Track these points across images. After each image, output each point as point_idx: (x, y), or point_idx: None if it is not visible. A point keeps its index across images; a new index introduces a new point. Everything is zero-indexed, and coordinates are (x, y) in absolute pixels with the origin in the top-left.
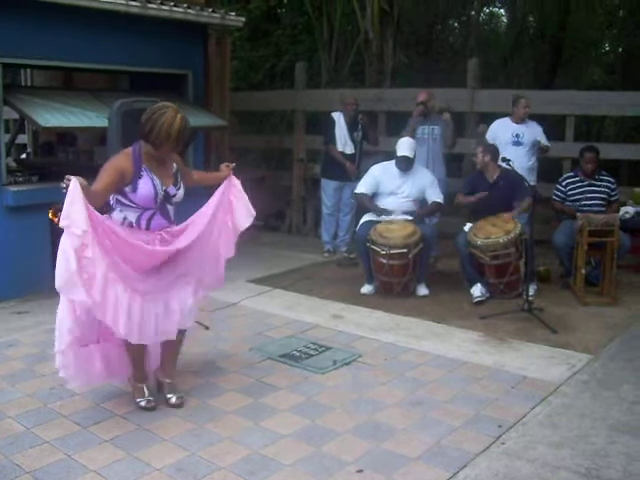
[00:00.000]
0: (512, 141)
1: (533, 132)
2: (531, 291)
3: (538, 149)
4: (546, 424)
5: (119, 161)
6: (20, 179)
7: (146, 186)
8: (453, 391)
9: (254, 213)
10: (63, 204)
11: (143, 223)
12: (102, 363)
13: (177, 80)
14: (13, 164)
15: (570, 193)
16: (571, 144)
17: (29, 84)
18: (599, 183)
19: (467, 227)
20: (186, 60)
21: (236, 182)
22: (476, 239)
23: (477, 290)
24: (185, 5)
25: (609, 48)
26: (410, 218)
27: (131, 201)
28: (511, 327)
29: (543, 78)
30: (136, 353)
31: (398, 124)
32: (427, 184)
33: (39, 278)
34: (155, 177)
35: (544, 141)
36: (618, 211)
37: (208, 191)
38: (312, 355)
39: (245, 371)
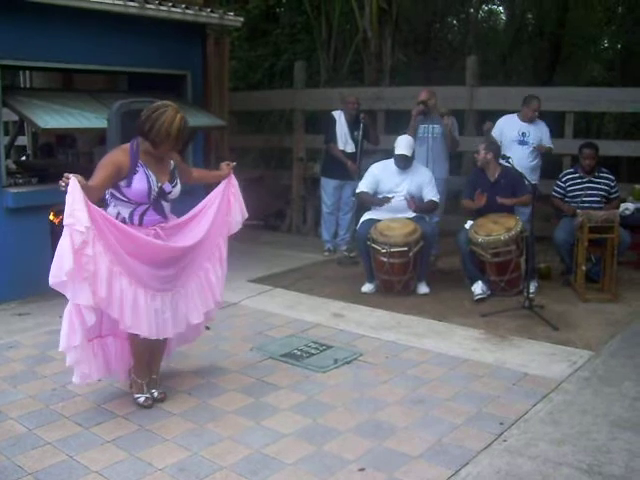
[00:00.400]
0: (518, 140)
1: (539, 132)
2: (532, 288)
3: (538, 146)
4: (547, 421)
5: (116, 156)
6: (20, 181)
7: (141, 182)
8: (454, 389)
9: (247, 216)
10: (64, 205)
11: (136, 219)
12: (103, 358)
13: (176, 80)
14: (13, 166)
15: (570, 189)
16: (570, 141)
17: (28, 86)
18: (599, 180)
19: (468, 225)
20: (185, 60)
21: (235, 182)
22: (477, 236)
23: (478, 288)
24: (183, 5)
25: (608, 45)
26: (411, 216)
27: (124, 195)
28: (512, 324)
29: (542, 75)
30: (141, 348)
31: (397, 123)
32: (425, 182)
33: (39, 280)
34: (151, 173)
35: (547, 142)
36: (618, 208)
37: (206, 189)
38: (313, 354)
39: (246, 370)
